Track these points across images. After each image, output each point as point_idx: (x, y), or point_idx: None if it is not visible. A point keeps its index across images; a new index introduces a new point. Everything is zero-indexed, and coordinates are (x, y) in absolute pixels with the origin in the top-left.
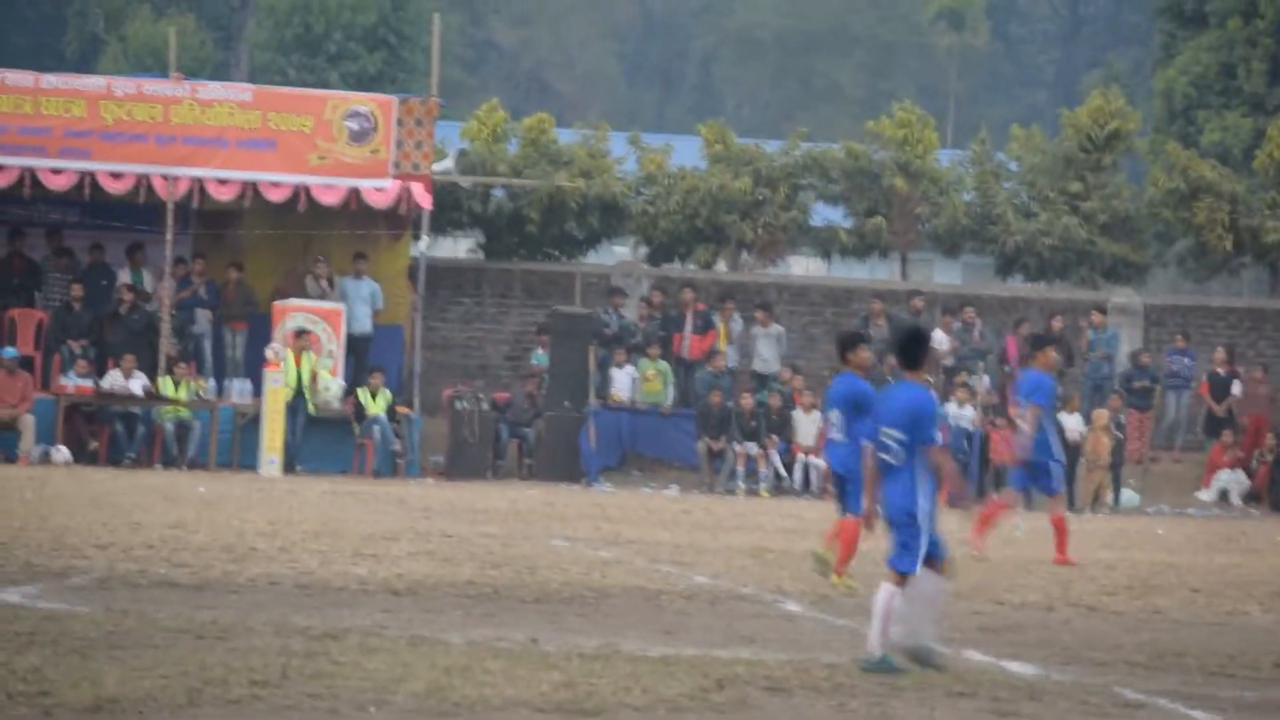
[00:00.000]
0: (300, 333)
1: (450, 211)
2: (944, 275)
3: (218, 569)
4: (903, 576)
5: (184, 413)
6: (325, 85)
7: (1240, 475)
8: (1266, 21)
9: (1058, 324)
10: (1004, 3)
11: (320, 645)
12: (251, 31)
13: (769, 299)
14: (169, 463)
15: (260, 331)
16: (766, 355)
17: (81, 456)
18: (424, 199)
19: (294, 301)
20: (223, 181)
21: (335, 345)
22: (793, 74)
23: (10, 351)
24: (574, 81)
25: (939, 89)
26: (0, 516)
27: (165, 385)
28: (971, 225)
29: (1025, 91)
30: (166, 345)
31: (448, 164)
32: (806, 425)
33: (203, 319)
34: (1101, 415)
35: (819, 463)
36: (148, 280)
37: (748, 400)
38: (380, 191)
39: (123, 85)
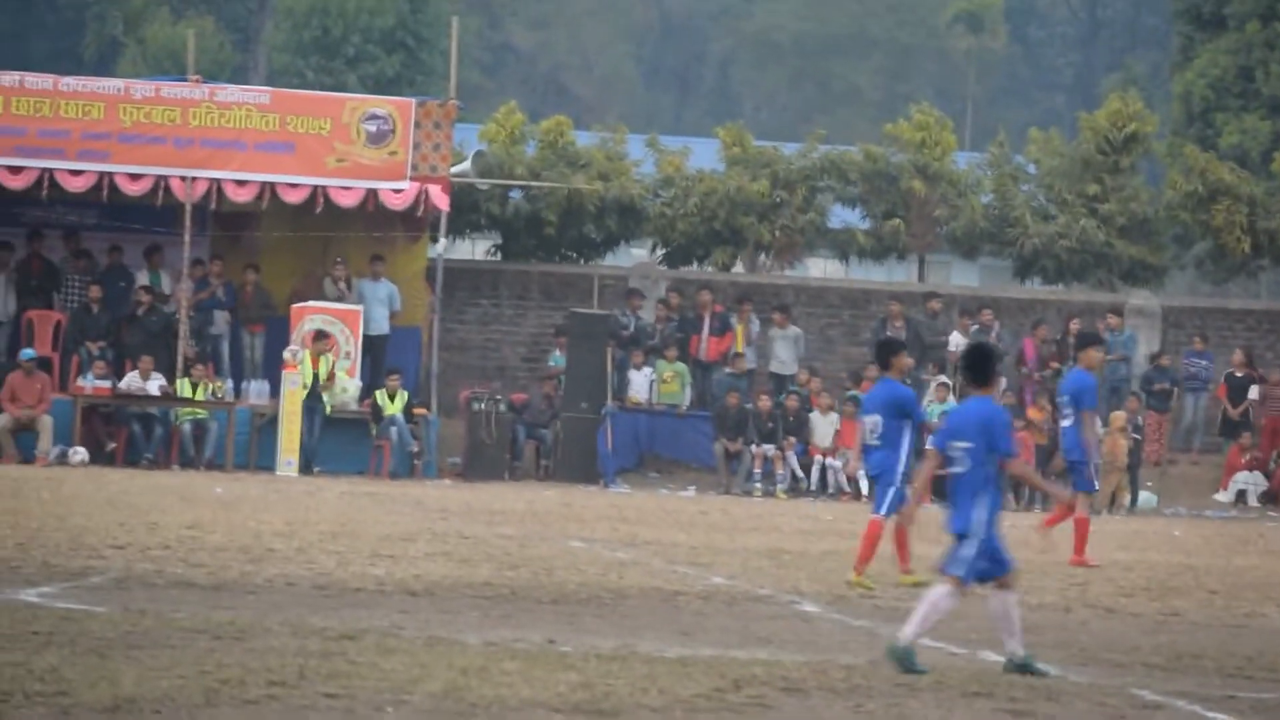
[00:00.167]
0: (319, 335)
1: (468, 213)
2: (962, 277)
3: (235, 569)
4: (957, 580)
5: (201, 414)
6: (343, 88)
7: (1258, 477)
8: None
9: (1075, 325)
10: (1022, 5)
11: (337, 646)
12: (270, 34)
13: (786, 301)
14: (186, 463)
15: (278, 333)
16: (784, 357)
17: (99, 457)
18: (442, 201)
19: (312, 303)
20: (240, 183)
21: (353, 346)
22: (811, 77)
23: (28, 353)
24: (592, 84)
25: (957, 92)
26: (18, 517)
27: (183, 386)
28: (989, 227)
29: (1043, 94)
30: (184, 346)
31: (465, 166)
32: (824, 427)
33: (220, 320)
34: (1119, 417)
35: (836, 464)
36: (165, 282)
37: (765, 402)
38: (398, 193)
39: (141, 88)
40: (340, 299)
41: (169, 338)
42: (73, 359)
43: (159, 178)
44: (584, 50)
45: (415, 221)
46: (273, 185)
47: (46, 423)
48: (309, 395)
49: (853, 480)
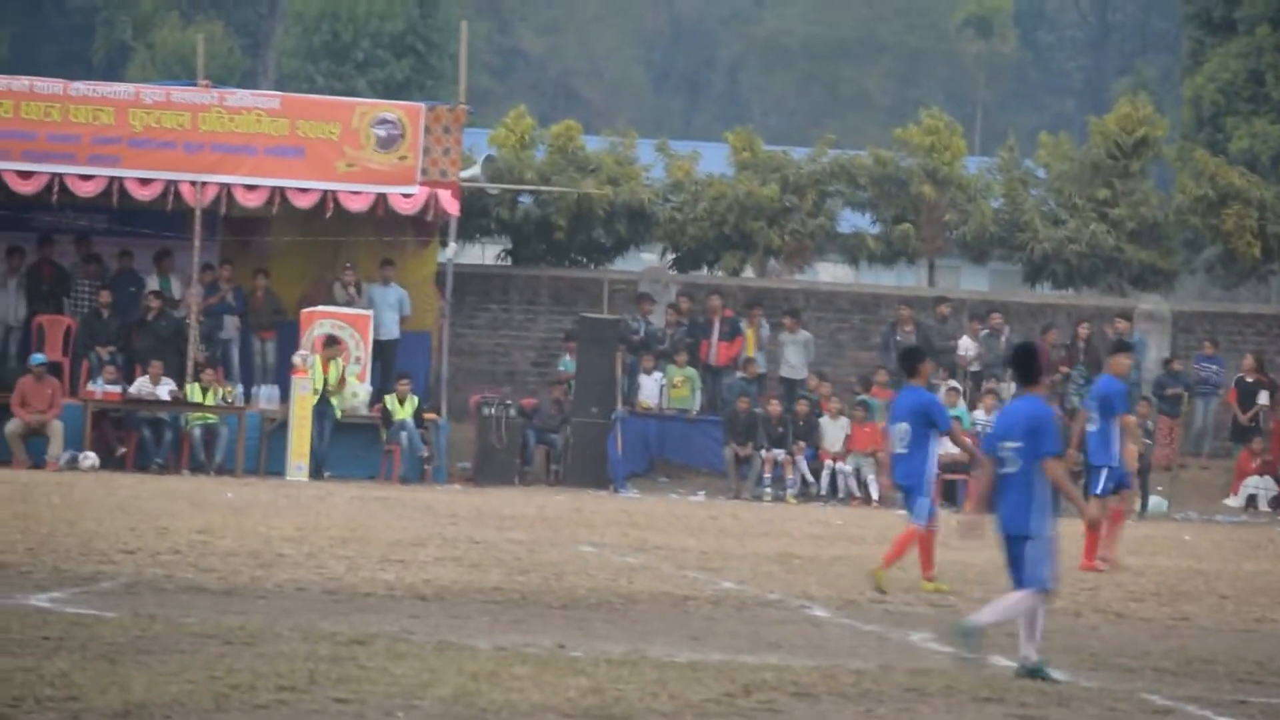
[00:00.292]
0: (330, 340)
1: (478, 218)
2: (971, 282)
3: (245, 574)
4: (1044, 594)
5: (211, 419)
6: (353, 92)
7: (1269, 482)
8: None
9: (1084, 330)
10: (1032, 10)
11: (347, 651)
12: (279, 39)
13: (796, 305)
14: (196, 469)
15: (288, 338)
16: (794, 362)
17: (109, 462)
18: (451, 206)
19: (322, 308)
20: (250, 188)
21: (363, 351)
22: (820, 81)
23: (39, 358)
24: (601, 89)
25: (967, 96)
26: (29, 522)
27: (193, 391)
28: (999, 232)
29: (1053, 99)
30: (194, 351)
31: (475, 171)
32: (834, 431)
33: (230, 325)
34: (1130, 422)
35: (846, 468)
36: (175, 287)
37: (775, 406)
38: (408, 198)
39: (151, 93)
40: (350, 304)
41: (179, 343)
42: (83, 364)
43: (169, 182)
44: (593, 55)
45: (425, 226)
46: (283, 190)
47: (57, 428)
48: (319, 400)
49: (886, 494)
